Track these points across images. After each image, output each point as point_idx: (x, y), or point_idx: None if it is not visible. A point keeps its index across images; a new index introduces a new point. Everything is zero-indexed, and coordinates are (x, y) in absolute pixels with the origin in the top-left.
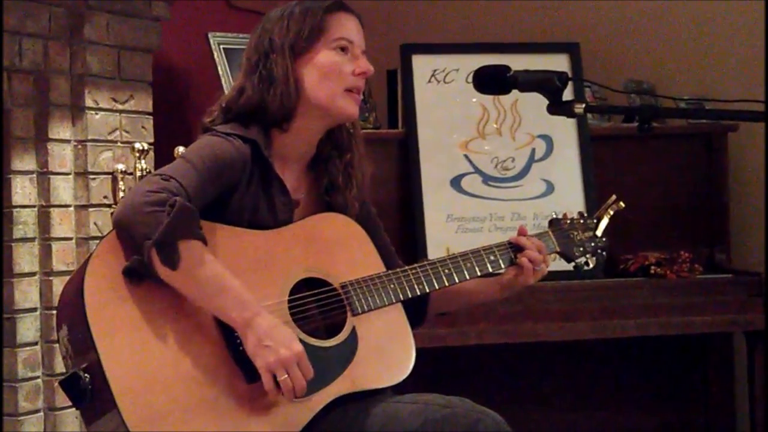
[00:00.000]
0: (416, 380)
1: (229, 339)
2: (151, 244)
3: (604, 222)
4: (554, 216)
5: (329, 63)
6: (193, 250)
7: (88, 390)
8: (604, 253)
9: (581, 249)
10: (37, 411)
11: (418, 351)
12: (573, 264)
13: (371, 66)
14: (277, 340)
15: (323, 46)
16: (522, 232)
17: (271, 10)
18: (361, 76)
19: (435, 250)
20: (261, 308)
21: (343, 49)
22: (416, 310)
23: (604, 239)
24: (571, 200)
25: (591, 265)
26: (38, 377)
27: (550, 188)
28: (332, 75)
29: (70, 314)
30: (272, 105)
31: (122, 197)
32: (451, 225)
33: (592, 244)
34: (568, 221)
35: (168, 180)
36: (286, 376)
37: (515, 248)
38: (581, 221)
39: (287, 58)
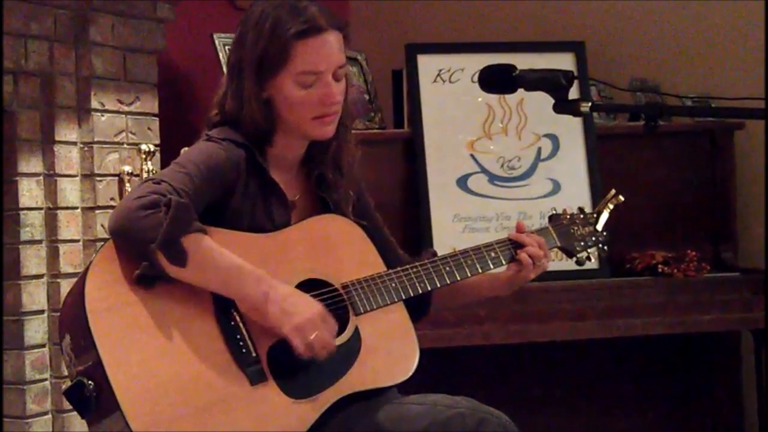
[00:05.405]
0: (422, 380)
1: (232, 342)
2: (156, 246)
3: (604, 216)
4: (554, 212)
5: (291, 97)
6: (196, 243)
7: (93, 397)
8: (605, 247)
9: (582, 243)
10: (45, 413)
11: (425, 351)
12: (575, 259)
13: (337, 92)
14: (297, 304)
15: (287, 77)
16: (520, 228)
17: (255, 4)
18: (328, 105)
19: (441, 250)
20: (273, 280)
21: (308, 82)
22: (419, 304)
23: (604, 233)
24: (577, 199)
25: (592, 260)
26: (46, 379)
27: (556, 187)
28: (296, 108)
29: (72, 323)
30: (247, 125)
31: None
32: (458, 225)
33: (593, 239)
34: (568, 216)
35: (158, 183)
36: (316, 332)
37: (515, 244)
38: (581, 216)
39: (253, 79)
